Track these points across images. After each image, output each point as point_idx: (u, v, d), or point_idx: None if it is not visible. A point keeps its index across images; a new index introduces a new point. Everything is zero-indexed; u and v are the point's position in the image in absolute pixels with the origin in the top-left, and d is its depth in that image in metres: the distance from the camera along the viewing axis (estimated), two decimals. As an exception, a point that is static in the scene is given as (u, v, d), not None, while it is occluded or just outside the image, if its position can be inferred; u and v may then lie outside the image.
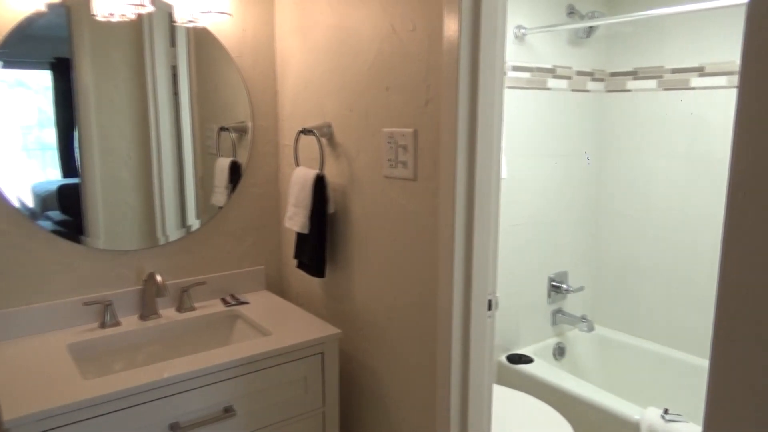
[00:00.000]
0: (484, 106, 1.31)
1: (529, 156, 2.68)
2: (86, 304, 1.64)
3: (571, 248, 2.97)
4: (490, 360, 1.44)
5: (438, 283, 1.39)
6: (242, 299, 1.88)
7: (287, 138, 1.93)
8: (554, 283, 2.90)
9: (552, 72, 2.71)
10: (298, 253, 1.78)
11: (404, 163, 1.44)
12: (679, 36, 2.66)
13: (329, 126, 1.70)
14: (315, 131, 1.67)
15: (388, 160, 1.48)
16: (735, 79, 2.49)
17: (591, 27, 2.78)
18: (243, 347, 1.51)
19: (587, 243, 3.05)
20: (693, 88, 2.64)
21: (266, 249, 2.03)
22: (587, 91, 2.88)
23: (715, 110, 2.57)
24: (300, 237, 1.76)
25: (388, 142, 1.47)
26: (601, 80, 2.95)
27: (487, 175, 1.34)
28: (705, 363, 2.62)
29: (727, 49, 2.51)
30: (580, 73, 2.83)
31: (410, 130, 1.41)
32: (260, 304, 1.85)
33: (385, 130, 1.48)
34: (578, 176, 2.93)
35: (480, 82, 1.29)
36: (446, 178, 1.32)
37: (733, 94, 2.50)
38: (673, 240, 2.75)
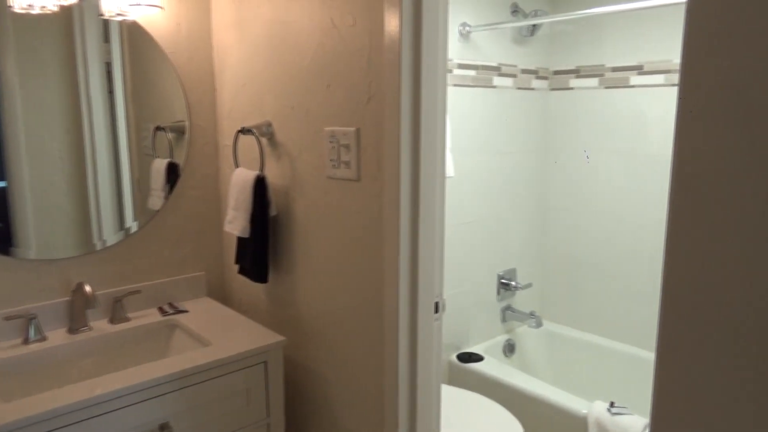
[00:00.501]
0: (428, 104, 1.27)
1: (477, 154, 2.68)
2: (7, 319, 1.51)
3: (519, 245, 2.99)
4: (438, 363, 1.41)
5: (384, 286, 1.35)
6: (181, 308, 1.79)
7: (227, 138, 1.85)
8: (503, 281, 2.92)
9: (497, 70, 2.72)
10: (240, 258, 1.70)
11: (347, 163, 1.39)
12: (619, 35, 2.71)
13: (269, 125, 1.63)
14: (254, 130, 1.60)
15: (331, 160, 1.43)
16: (673, 77, 2.56)
17: (534, 25, 2.80)
18: (180, 360, 1.42)
19: (535, 240, 3.08)
20: (632, 86, 2.70)
21: (207, 254, 1.94)
22: (532, 89, 2.91)
23: (654, 108, 2.63)
24: (241, 241, 1.69)
25: (330, 142, 1.42)
26: (545, 78, 2.98)
27: (431, 174, 1.31)
28: (648, 355, 2.69)
29: (664, 47, 2.57)
30: (524, 72, 2.85)
31: (352, 128, 1.36)
32: (200, 313, 1.77)
33: (327, 128, 1.43)
34: (525, 174, 2.95)
35: (423, 79, 1.26)
36: (390, 179, 1.29)
37: (670, 91, 2.57)
38: (616, 235, 2.81)
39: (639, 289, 2.75)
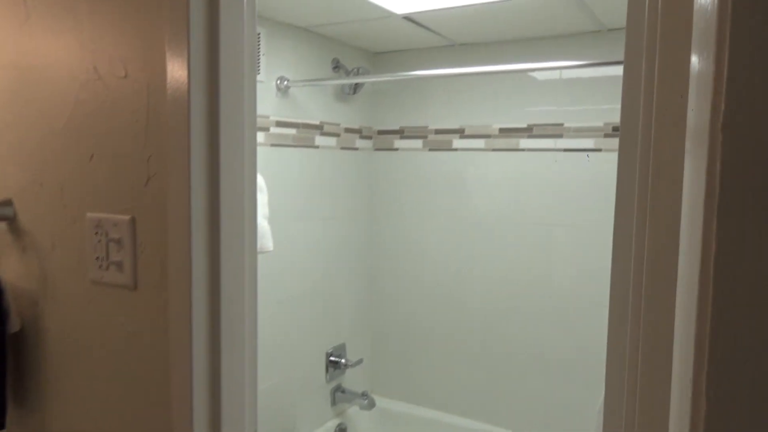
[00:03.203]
0: (231, 181, 0.96)
1: (299, 221, 2.40)
2: None
3: (348, 318, 2.74)
4: None
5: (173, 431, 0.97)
6: None
7: (-49, 217, 1.33)
8: (332, 359, 2.63)
9: (320, 128, 2.49)
10: (-40, 396, 1.18)
11: (119, 265, 1.00)
12: (441, 98, 2.67)
13: (9, 205, 1.17)
14: (-19, 214, 1.13)
15: (97, 258, 1.03)
16: (492, 142, 2.55)
17: (357, 83, 2.65)
18: None
19: (364, 310, 2.86)
20: (455, 149, 2.65)
21: None
22: (356, 149, 2.73)
23: (475, 171, 2.60)
24: (-38, 371, 1.17)
25: (96, 233, 1.03)
26: (369, 138, 2.83)
27: (236, 277, 0.99)
28: (488, 427, 2.57)
29: (483, 112, 2.57)
30: (348, 130, 2.67)
31: (126, 217, 0.99)
32: None
33: (91, 215, 1.04)
34: (351, 240, 2.74)
35: (223, 150, 0.94)
36: (178, 287, 0.93)
37: (490, 156, 2.55)
38: (446, 300, 2.70)
39: (470, 353, 2.65)
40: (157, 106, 0.94)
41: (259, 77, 2.16)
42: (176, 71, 0.90)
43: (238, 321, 0.99)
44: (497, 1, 1.94)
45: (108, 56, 0.99)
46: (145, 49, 0.95)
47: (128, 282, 0.99)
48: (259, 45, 2.15)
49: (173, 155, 0.92)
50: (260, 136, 2.18)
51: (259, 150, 2.18)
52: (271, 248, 2.05)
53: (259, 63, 2.15)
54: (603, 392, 1.77)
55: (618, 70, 2.26)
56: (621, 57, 2.00)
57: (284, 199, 2.30)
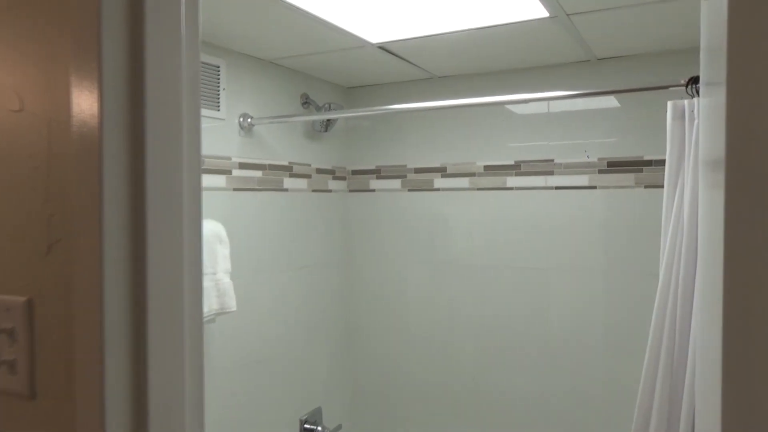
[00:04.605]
0: (163, 239, 0.71)
1: (266, 273, 2.14)
2: None
3: (323, 378, 2.46)
4: None
5: None
6: None
7: None
8: (307, 426, 2.34)
9: (288, 170, 2.27)
10: None
11: (11, 365, 0.74)
12: (420, 134, 2.48)
13: None
14: None
15: (-18, 353, 0.77)
16: (477, 181, 2.36)
17: (329, 120, 2.44)
18: None
19: (342, 369, 2.58)
20: (437, 189, 2.45)
21: None
22: (329, 191, 2.51)
23: (458, 212, 2.40)
24: None
25: (-18, 319, 0.77)
26: (343, 179, 2.61)
27: (171, 369, 0.73)
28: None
29: (467, 149, 2.38)
30: (320, 171, 2.45)
31: (20, 298, 0.73)
32: None
33: (-24, 294, 0.77)
34: (325, 291, 2.48)
35: (150, 199, 0.70)
36: (88, 396, 0.67)
37: (475, 195, 2.35)
38: (431, 354, 2.45)
39: (461, 410, 2.39)
40: (61, 149, 0.70)
41: (218, 114, 1.93)
42: (83, 102, 0.66)
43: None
44: (479, 29, 1.77)
45: (-1, 84, 0.75)
46: (46, 75, 0.71)
47: (23, 389, 0.73)
48: (218, 79, 1.93)
49: (81, 213, 0.68)
50: (221, 180, 1.95)
51: (221, 195, 1.94)
52: (234, 308, 1.79)
53: (218, 99, 1.93)
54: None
55: (610, 102, 2.10)
56: (612, 87, 1.81)
57: (250, 250, 2.05)
